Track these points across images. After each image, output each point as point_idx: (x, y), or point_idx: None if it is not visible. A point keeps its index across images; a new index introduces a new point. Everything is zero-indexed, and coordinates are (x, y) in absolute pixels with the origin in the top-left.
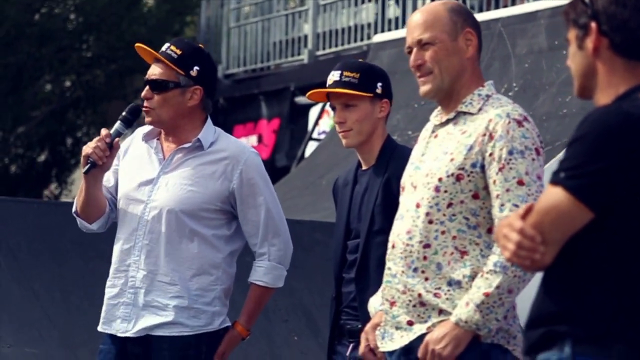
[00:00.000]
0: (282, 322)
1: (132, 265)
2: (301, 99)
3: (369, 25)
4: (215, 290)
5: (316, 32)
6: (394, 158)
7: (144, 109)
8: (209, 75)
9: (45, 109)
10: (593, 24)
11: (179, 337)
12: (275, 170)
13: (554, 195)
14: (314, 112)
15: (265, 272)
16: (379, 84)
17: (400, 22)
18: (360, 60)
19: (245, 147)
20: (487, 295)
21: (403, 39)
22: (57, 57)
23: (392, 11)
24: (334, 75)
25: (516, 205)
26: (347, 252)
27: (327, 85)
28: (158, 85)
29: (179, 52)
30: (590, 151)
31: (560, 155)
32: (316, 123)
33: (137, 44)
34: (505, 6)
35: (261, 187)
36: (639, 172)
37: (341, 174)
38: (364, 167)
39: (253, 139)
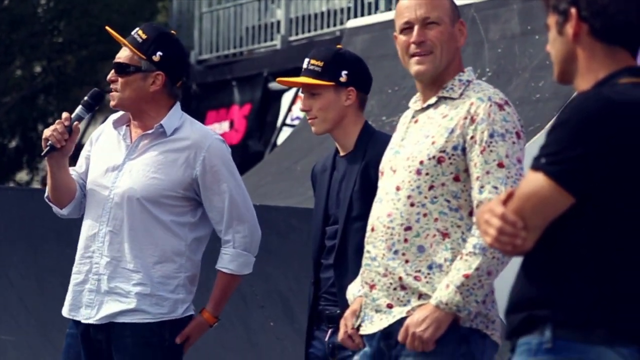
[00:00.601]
0: (258, 308)
1: (96, 252)
2: (274, 85)
3: (342, 10)
4: (178, 277)
5: (289, 18)
6: (371, 144)
7: (110, 92)
8: (173, 61)
9: (16, 95)
10: (573, 10)
11: (141, 324)
12: (248, 156)
13: (535, 180)
14: (286, 98)
15: (230, 260)
16: (344, 72)
17: (374, 7)
18: (337, 46)
19: (209, 133)
20: (466, 277)
21: (377, 24)
22: (29, 42)
23: None
24: (304, 63)
25: (495, 188)
26: (326, 238)
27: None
28: (121, 69)
29: (144, 36)
30: (570, 137)
31: (535, 139)
32: (289, 109)
33: (106, 27)
34: None
35: (225, 174)
36: (618, 157)
37: (319, 160)
38: (341, 154)
39: (225, 125)
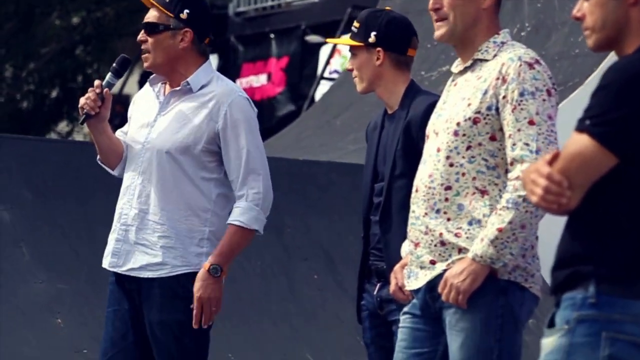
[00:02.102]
0: (301, 260)
1: (126, 204)
2: (312, 38)
3: None
4: (203, 231)
5: None
6: (413, 104)
7: (142, 55)
8: (200, 18)
9: (55, 46)
10: None
11: (167, 277)
12: (286, 108)
13: (580, 141)
14: (324, 51)
15: (241, 212)
16: (372, 33)
17: None
18: (386, 8)
19: (234, 89)
20: (500, 230)
21: None
22: None
23: None
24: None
25: (527, 144)
26: (374, 195)
27: None
28: (151, 28)
29: None
30: (613, 99)
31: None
32: (327, 62)
33: None
34: None
35: (245, 131)
36: None
37: (373, 118)
38: (389, 112)
39: (263, 78)
